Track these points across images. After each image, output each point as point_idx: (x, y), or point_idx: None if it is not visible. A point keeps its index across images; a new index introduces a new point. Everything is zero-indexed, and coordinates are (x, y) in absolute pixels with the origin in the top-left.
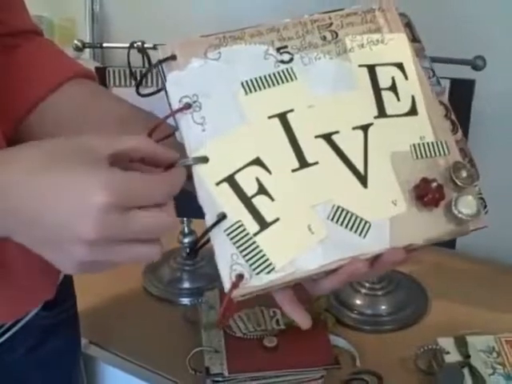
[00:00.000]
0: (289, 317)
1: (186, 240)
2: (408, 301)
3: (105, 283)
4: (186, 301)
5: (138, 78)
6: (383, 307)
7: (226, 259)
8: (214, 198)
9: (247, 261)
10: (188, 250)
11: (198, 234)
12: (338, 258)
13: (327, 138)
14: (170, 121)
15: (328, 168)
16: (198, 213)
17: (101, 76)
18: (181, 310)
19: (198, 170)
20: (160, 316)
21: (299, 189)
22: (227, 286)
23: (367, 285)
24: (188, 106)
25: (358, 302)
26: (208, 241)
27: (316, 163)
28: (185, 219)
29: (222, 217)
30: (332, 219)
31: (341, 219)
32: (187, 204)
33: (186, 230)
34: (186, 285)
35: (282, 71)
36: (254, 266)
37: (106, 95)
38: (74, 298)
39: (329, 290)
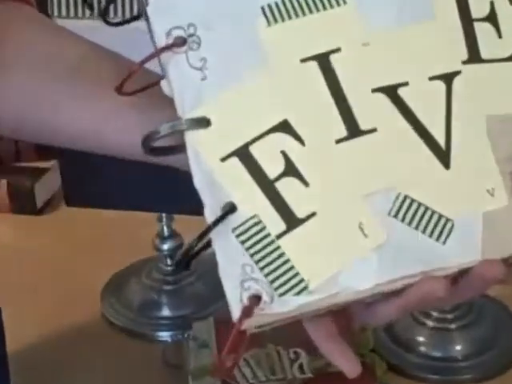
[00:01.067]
0: (325, 360)
1: (166, 246)
2: (494, 338)
3: (47, 309)
4: (165, 336)
5: (103, 3)
6: (458, 347)
7: (235, 273)
8: (218, 180)
9: (267, 275)
10: (173, 262)
11: (183, 238)
12: (404, 274)
13: (391, 92)
14: (152, 66)
15: (391, 138)
16: (187, 204)
17: (40, 2)
18: (158, 348)
19: (195, 139)
20: (127, 358)
21: (347, 169)
22: (236, 312)
23: (435, 314)
24: (181, 42)
25: (422, 338)
26: (207, 246)
27: (373, 131)
28: (163, 216)
29: (230, 209)
30: (395, 215)
31: (409, 216)
32: (168, 191)
33: (166, 231)
34: (166, 312)
35: None
36: (276, 284)
37: (49, 28)
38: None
39: (385, 320)
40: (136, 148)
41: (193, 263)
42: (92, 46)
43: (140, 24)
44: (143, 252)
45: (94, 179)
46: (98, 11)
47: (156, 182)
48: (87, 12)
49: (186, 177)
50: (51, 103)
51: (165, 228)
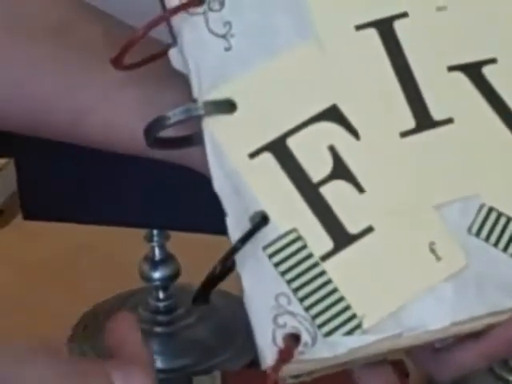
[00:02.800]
0: None
1: (158, 274)
2: None
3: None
4: None
5: None
6: None
7: (267, 305)
8: (245, 183)
9: (308, 309)
10: (166, 295)
11: (179, 263)
12: (488, 311)
13: (473, 71)
14: (158, 33)
15: (472, 132)
16: (187, 217)
17: None
18: None
19: (215, 128)
20: None
21: (414, 171)
22: (268, 356)
23: None
24: (198, 0)
25: None
26: (229, 271)
27: (448, 121)
28: (154, 233)
29: (261, 221)
30: (477, 233)
31: (495, 234)
32: (161, 200)
33: (158, 254)
34: (158, 363)
35: None
36: (320, 320)
37: None
38: None
39: (458, 371)
40: (134, 139)
41: (188, 298)
42: (80, 6)
43: None
44: (127, 282)
45: (63, 184)
46: None
47: (145, 186)
48: None
49: (193, 180)
50: (26, 73)
51: (156, 250)
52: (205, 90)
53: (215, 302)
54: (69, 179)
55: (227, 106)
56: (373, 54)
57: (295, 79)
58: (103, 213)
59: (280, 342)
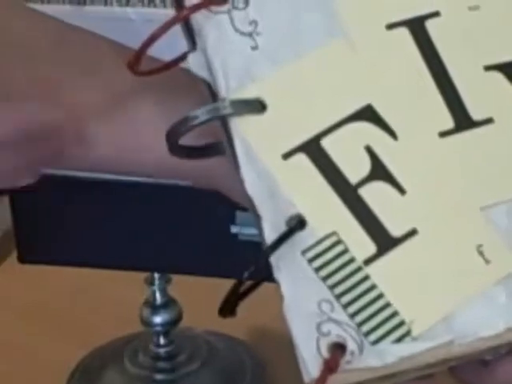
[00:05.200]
0: None
1: (159, 319)
2: None
3: None
4: None
5: None
6: None
7: (309, 312)
8: (280, 184)
9: (352, 315)
10: (168, 341)
11: (181, 307)
12: None
13: (509, 70)
14: (174, 39)
15: None
16: (190, 259)
17: None
18: None
19: (244, 128)
20: None
21: (456, 172)
22: (313, 367)
23: None
24: None
25: None
26: (263, 279)
27: (488, 121)
28: (155, 277)
29: (299, 224)
30: None
31: None
32: (162, 242)
33: (159, 298)
34: None
35: None
36: (366, 328)
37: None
38: None
39: None
40: (152, 152)
41: (196, 342)
42: (75, 30)
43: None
44: (126, 327)
45: (61, 227)
46: None
47: (145, 229)
48: None
49: (196, 222)
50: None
51: (157, 294)
52: (232, 90)
53: (217, 346)
54: (67, 222)
55: (257, 106)
56: (406, 53)
57: (326, 78)
58: (102, 256)
59: (325, 352)
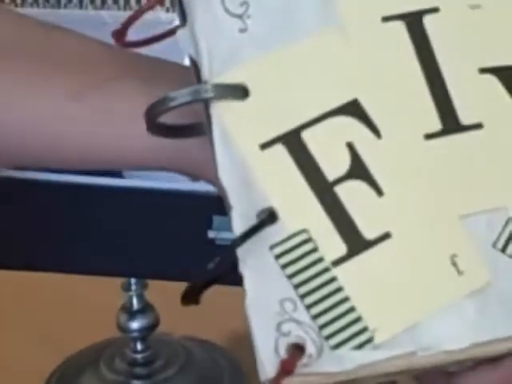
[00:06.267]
0: None
1: (136, 325)
2: None
3: None
4: None
5: None
6: None
7: (270, 310)
8: (255, 175)
9: (315, 317)
10: (145, 347)
11: (158, 313)
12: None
13: (505, 74)
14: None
15: (502, 139)
16: (168, 264)
17: None
18: None
19: (224, 114)
20: None
21: (438, 176)
22: (269, 367)
23: None
24: None
25: None
26: (230, 271)
27: (477, 126)
28: (132, 282)
29: (269, 218)
30: (503, 249)
31: None
32: (139, 246)
33: (136, 304)
34: None
35: None
36: (328, 331)
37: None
38: None
39: None
40: (131, 137)
41: (173, 348)
42: (64, 32)
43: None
44: (102, 332)
45: (35, 232)
46: None
47: (121, 234)
48: None
49: (173, 227)
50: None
51: (134, 299)
52: (215, 73)
53: (195, 352)
54: (40, 226)
55: (239, 91)
56: (399, 48)
57: (315, 68)
58: (77, 262)
59: (283, 352)
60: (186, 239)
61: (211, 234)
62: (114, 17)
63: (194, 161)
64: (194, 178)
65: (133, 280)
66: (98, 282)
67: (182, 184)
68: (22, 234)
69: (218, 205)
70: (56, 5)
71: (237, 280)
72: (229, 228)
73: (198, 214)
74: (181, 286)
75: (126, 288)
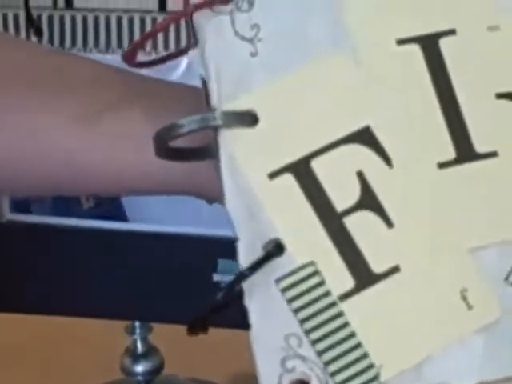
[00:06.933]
0: None
1: (140, 368)
2: None
3: None
4: None
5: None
6: None
7: (275, 345)
8: (262, 205)
9: (321, 353)
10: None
11: (162, 356)
12: None
13: None
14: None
15: None
16: (172, 308)
17: None
18: None
19: (233, 142)
20: None
21: (450, 207)
22: None
23: None
24: None
25: None
26: (235, 300)
27: (492, 155)
28: (136, 326)
29: (276, 250)
30: None
31: None
32: (144, 289)
33: (140, 347)
34: None
35: None
36: (333, 367)
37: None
38: None
39: None
40: (137, 160)
41: None
42: (65, 55)
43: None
44: (106, 375)
45: (40, 275)
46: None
47: (127, 277)
48: (33, 41)
49: (177, 270)
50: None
51: (139, 343)
52: (224, 99)
53: None
54: (45, 271)
55: (248, 118)
56: (414, 72)
57: (325, 94)
58: (82, 305)
59: None
60: (191, 282)
61: (216, 277)
62: (119, 60)
63: (202, 183)
64: (210, 200)
65: (137, 323)
66: (103, 324)
67: (187, 228)
68: (30, 276)
69: (223, 248)
70: (60, 48)
71: (241, 323)
72: (234, 271)
73: (203, 257)
74: (185, 329)
75: (131, 331)
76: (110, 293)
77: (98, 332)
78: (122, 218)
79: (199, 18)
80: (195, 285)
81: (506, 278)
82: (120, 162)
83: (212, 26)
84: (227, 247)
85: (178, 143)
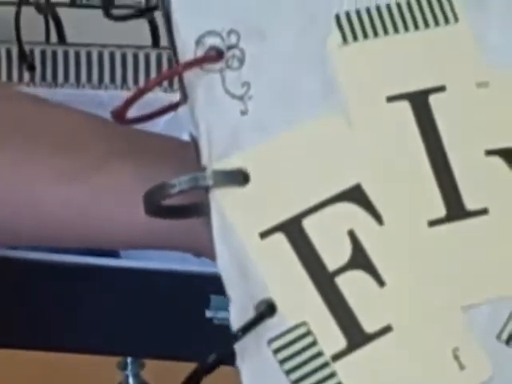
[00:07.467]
0: None
1: None
2: None
3: None
4: None
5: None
6: None
7: None
8: (253, 265)
9: None
10: None
11: None
12: None
13: None
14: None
15: (508, 224)
16: (163, 344)
17: None
18: None
19: (224, 201)
20: None
21: (441, 266)
22: None
23: None
24: (216, 56)
25: None
26: (227, 363)
27: (483, 212)
28: (128, 361)
29: (267, 310)
30: (508, 341)
31: None
32: (135, 326)
33: (132, 383)
34: None
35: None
36: None
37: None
38: None
39: None
40: (126, 217)
41: None
42: (61, 110)
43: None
44: None
45: (27, 311)
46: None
47: (119, 313)
48: (26, 76)
49: (169, 306)
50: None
51: (130, 379)
52: (215, 158)
53: None
54: (39, 307)
55: (239, 177)
56: (404, 129)
57: (316, 153)
58: (73, 340)
59: None
60: (184, 319)
61: (209, 314)
62: (112, 96)
63: (199, 239)
64: (198, 255)
65: (129, 359)
66: (94, 360)
67: (179, 264)
68: (19, 312)
69: (215, 284)
70: (53, 84)
71: (234, 360)
72: (226, 307)
73: (196, 293)
74: (178, 366)
75: (123, 367)
76: (102, 329)
77: (89, 368)
78: (115, 254)
79: (189, 75)
80: (188, 321)
81: (498, 336)
82: (104, 217)
83: (202, 84)
84: (220, 284)
85: (168, 200)
